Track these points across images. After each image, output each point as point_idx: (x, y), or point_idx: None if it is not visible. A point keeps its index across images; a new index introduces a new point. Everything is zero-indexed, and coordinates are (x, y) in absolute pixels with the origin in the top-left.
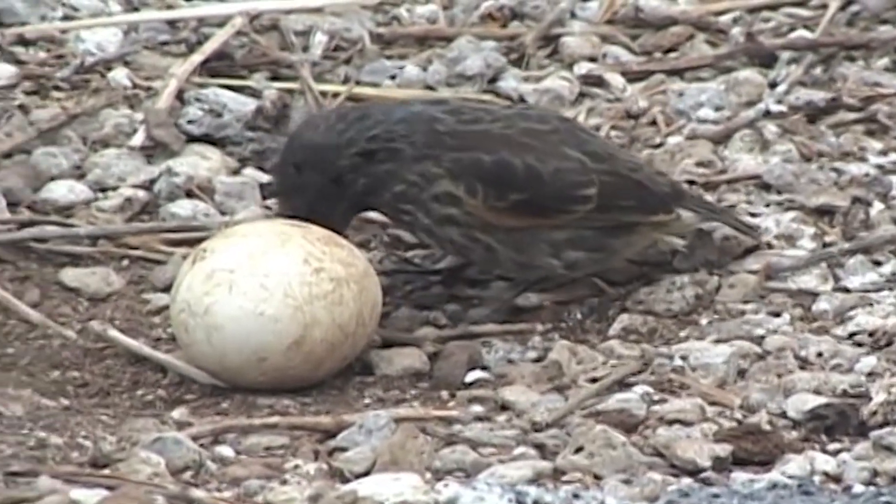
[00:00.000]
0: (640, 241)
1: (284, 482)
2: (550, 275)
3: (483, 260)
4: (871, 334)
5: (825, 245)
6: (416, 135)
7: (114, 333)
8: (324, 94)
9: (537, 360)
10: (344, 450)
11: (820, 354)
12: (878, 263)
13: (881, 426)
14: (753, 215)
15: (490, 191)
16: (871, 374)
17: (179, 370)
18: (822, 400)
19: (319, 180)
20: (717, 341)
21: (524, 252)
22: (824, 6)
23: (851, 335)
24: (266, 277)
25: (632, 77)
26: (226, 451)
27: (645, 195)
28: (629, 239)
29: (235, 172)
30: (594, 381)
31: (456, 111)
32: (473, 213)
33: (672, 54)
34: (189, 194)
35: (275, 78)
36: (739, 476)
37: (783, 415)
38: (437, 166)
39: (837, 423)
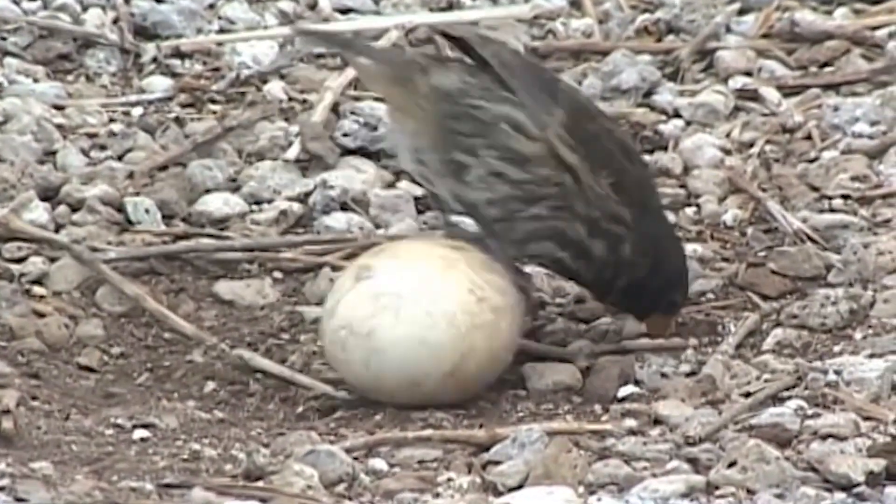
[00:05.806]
0: None
1: (437, 495)
2: None
3: None
4: None
5: None
6: None
7: (259, 360)
8: None
9: (690, 374)
10: (497, 463)
11: None
12: None
13: None
14: None
15: None
16: None
17: (325, 391)
18: None
19: None
20: (872, 356)
21: None
22: None
23: None
24: (433, 305)
25: (787, 91)
26: (379, 463)
27: None
28: None
29: (390, 185)
30: (748, 395)
31: None
32: None
33: (828, 69)
34: (344, 207)
35: None
36: (893, 491)
37: None
38: None
39: None
